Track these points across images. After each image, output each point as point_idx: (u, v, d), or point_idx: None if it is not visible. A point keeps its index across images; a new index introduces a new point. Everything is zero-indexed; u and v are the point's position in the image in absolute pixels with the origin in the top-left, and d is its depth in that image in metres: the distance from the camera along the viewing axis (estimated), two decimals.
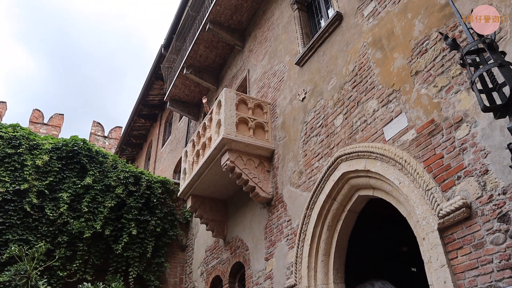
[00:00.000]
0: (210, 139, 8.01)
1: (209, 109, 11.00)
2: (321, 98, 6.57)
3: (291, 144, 7.13)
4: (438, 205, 3.98)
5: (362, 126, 5.44)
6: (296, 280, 5.91)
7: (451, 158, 4.04)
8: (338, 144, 5.84)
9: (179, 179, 11.53)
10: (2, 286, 7.84)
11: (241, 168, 7.25)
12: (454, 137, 4.06)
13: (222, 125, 7.42)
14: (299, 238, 6.06)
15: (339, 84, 6.20)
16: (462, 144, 3.96)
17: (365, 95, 5.56)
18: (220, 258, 8.75)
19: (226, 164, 7.22)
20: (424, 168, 4.30)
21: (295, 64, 7.54)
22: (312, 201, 5.98)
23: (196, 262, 10.04)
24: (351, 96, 5.83)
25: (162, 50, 14.76)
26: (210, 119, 8.26)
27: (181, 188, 8.97)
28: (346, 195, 5.68)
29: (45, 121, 28.51)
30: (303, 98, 7.06)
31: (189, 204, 8.85)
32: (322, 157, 6.14)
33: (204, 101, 10.43)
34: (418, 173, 4.30)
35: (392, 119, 4.96)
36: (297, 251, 6.03)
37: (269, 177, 7.49)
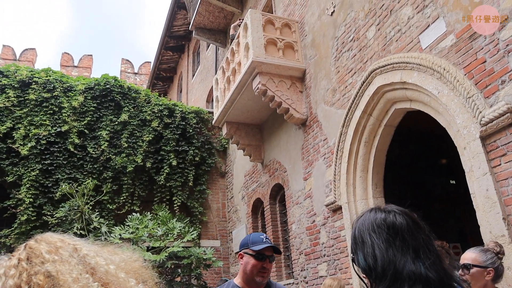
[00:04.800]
0: (239, 64, 7.88)
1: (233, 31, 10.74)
2: (351, 10, 6.23)
3: (322, 61, 6.92)
4: (480, 112, 3.82)
5: (397, 36, 5.16)
6: (335, 197, 6.00)
7: (495, 62, 3.81)
8: (372, 57, 5.61)
9: (212, 108, 11.59)
10: (59, 221, 8.41)
11: (273, 90, 7.16)
12: (498, 39, 3.79)
13: (250, 48, 7.24)
14: (336, 156, 6.07)
15: None
16: (507, 45, 3.70)
17: (398, 2, 5.21)
18: (260, 181, 8.96)
19: (258, 87, 7.14)
20: (465, 75, 4.09)
21: None
22: (347, 118, 5.90)
23: (236, 187, 10.35)
24: (383, 5, 5.49)
25: None
26: (238, 44, 8.07)
27: (215, 116, 9.03)
28: (382, 109, 5.55)
29: (75, 63, 28.77)
30: (332, 12, 6.72)
31: (224, 131, 8.94)
32: (355, 72, 5.95)
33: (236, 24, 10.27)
34: (458, 81, 4.11)
35: (428, 26, 4.67)
36: (335, 168, 6.07)
37: (302, 97, 7.39)
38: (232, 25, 10.23)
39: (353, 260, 1.21)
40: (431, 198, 9.03)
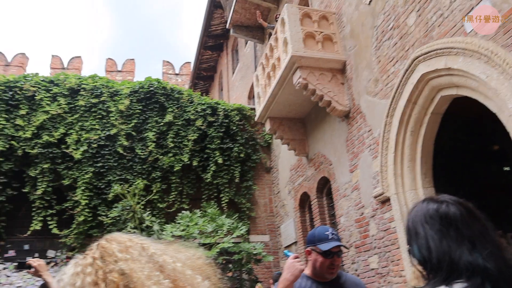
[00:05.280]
0: (279, 59, 7.89)
1: (266, 24, 10.78)
2: None
3: (362, 52, 6.82)
4: None
5: (439, 21, 5.01)
6: (383, 188, 5.92)
7: None
8: (414, 44, 5.47)
9: (254, 104, 11.67)
10: (114, 221, 8.77)
11: (314, 84, 7.13)
12: None
13: (288, 43, 7.23)
14: (382, 146, 5.98)
15: None
16: None
17: None
18: (305, 175, 8.96)
19: (299, 82, 7.13)
20: None
21: None
22: (391, 108, 5.80)
23: (282, 182, 10.39)
24: None
25: None
26: (276, 39, 8.07)
27: (258, 112, 9.09)
28: (427, 97, 5.41)
29: (119, 68, 29.60)
30: (370, 1, 6.60)
31: (267, 127, 8.99)
32: (397, 61, 5.83)
33: (259, 17, 10.32)
34: (508, 64, 3.95)
35: (472, 8, 4.51)
36: (382, 159, 5.98)
37: (344, 89, 7.32)
38: (260, 20, 10.30)
39: (409, 252, 1.22)
40: (483, 186, 8.70)
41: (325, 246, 2.27)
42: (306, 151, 8.88)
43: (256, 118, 9.42)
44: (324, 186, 8.43)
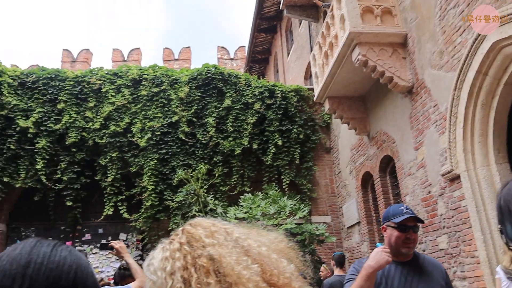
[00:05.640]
0: (336, 37, 7.70)
1: (321, 3, 10.53)
2: None
3: (425, 23, 6.49)
4: None
5: None
6: (452, 165, 5.66)
7: None
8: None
9: (311, 85, 11.52)
10: (179, 205, 9.08)
11: (375, 60, 6.90)
12: None
13: (346, 19, 7.02)
14: (450, 122, 5.70)
15: None
16: None
17: None
18: (367, 154, 8.77)
19: (358, 59, 6.93)
20: None
21: None
22: (459, 81, 5.49)
23: (343, 162, 10.24)
24: None
25: None
26: (332, 16, 7.87)
27: (316, 93, 8.96)
28: (499, 67, 5.06)
29: (176, 57, 30.21)
30: None
31: (327, 106, 8.85)
32: (464, 30, 5.49)
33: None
34: None
35: None
36: (449, 135, 5.71)
37: (405, 64, 7.02)
38: None
39: (500, 232, 1.14)
40: None
41: (398, 219, 2.28)
42: (367, 129, 8.66)
43: (314, 99, 9.31)
44: (387, 165, 8.21)
